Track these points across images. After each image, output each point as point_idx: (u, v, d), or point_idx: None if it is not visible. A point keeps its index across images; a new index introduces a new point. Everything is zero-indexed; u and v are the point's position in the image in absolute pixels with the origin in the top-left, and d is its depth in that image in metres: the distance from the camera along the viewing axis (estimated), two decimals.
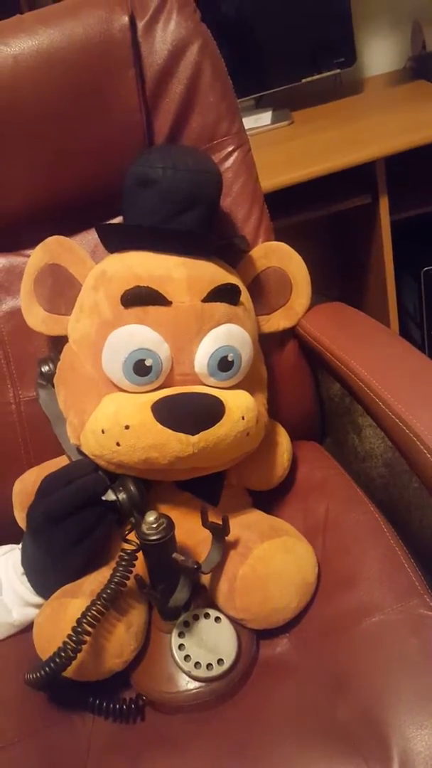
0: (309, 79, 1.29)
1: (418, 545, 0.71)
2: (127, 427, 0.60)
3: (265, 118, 1.29)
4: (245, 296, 0.69)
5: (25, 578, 0.66)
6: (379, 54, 1.44)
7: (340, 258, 1.41)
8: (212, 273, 0.66)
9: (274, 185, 1.02)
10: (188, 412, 0.60)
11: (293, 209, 1.14)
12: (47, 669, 0.56)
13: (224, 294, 0.65)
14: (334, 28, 1.27)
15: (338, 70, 1.30)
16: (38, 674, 0.57)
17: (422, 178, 1.20)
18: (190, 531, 0.66)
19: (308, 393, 0.87)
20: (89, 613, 0.56)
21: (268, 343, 0.77)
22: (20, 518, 0.75)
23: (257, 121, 1.28)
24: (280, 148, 1.17)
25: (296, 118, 1.30)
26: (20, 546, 0.68)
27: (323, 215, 1.18)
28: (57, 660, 0.55)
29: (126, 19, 0.70)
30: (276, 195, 0.99)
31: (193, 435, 0.59)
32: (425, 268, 1.27)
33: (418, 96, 1.25)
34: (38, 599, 0.65)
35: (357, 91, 1.38)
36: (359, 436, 1.18)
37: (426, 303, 1.31)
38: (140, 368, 0.61)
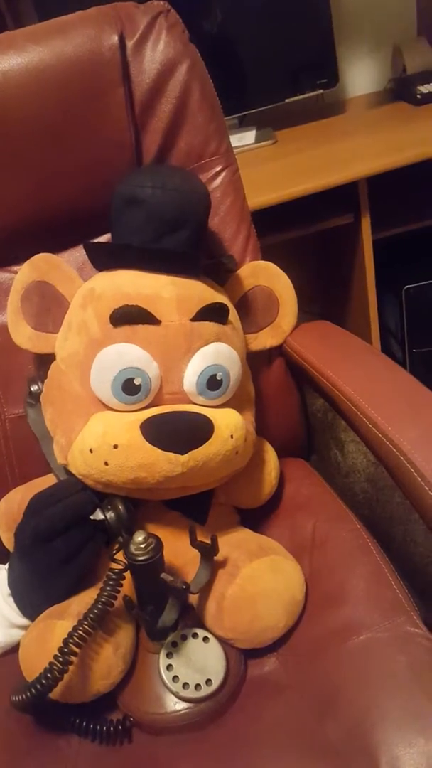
0: (292, 99, 1.31)
1: (402, 559, 0.72)
2: (115, 447, 0.59)
3: (248, 137, 1.31)
4: (233, 315, 0.69)
5: (11, 599, 0.65)
6: (361, 75, 1.47)
7: (323, 276, 1.43)
8: (201, 292, 0.66)
9: (258, 204, 1.03)
10: (177, 431, 0.60)
11: (277, 228, 1.15)
12: (33, 690, 0.55)
13: (213, 313, 0.65)
14: (316, 50, 1.29)
15: (321, 91, 1.32)
16: (24, 696, 0.56)
17: (404, 198, 1.22)
18: (178, 550, 0.66)
19: (295, 411, 0.87)
20: (76, 634, 0.55)
21: (255, 362, 0.78)
22: (5, 539, 0.74)
23: (241, 140, 1.30)
24: (264, 167, 1.18)
25: (279, 137, 1.32)
26: (6, 566, 0.67)
27: (306, 234, 1.19)
28: (43, 681, 0.55)
29: (116, 38, 0.70)
30: (260, 213, 1.00)
31: (182, 454, 0.59)
32: (406, 286, 1.29)
33: (398, 117, 1.28)
34: (24, 621, 0.64)
35: (339, 112, 1.40)
36: (342, 451, 1.19)
37: (407, 321, 1.33)
38: (129, 387, 0.61)
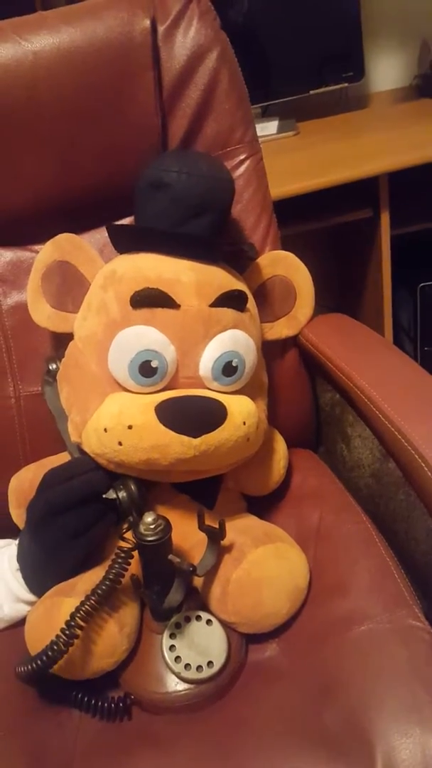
0: (317, 91, 1.31)
1: (403, 556, 0.72)
2: (130, 427, 0.60)
3: (271, 127, 1.31)
4: (251, 303, 0.70)
5: (19, 574, 0.66)
6: (386, 70, 1.46)
7: (339, 269, 1.43)
8: (220, 278, 0.66)
9: (278, 194, 1.02)
10: (191, 415, 0.61)
11: (295, 219, 1.15)
12: (38, 663, 0.56)
13: (232, 300, 0.65)
14: (344, 43, 1.29)
15: (346, 84, 1.31)
16: (29, 667, 0.57)
17: (424, 196, 1.22)
18: (186, 533, 0.66)
19: (306, 401, 0.87)
20: (82, 609, 0.56)
21: (269, 351, 0.78)
22: (15, 515, 0.75)
23: (263, 129, 1.29)
24: (285, 157, 1.18)
25: (302, 128, 1.32)
26: (17, 541, 0.68)
27: (324, 226, 1.19)
28: (48, 654, 0.56)
29: (147, 22, 0.70)
30: (278, 204, 1.00)
31: (195, 438, 0.60)
32: (422, 284, 1.29)
33: (422, 114, 1.27)
34: (31, 596, 0.65)
35: (362, 106, 1.39)
36: (348, 446, 1.20)
37: (421, 318, 1.33)
38: (146, 369, 0.62)
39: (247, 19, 1.28)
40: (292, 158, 1.19)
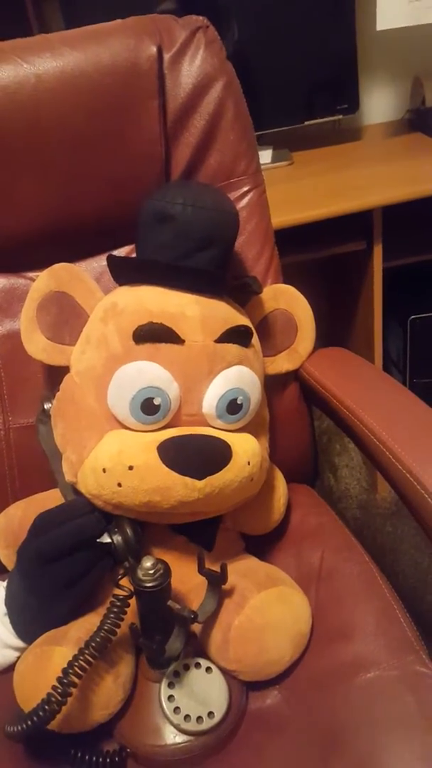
0: (311, 122, 1.31)
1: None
2: (130, 468, 0.58)
3: (265, 156, 1.30)
4: (255, 338, 0.68)
5: (6, 619, 0.62)
6: (379, 104, 1.47)
7: (330, 300, 1.43)
8: (225, 313, 0.65)
9: (273, 225, 1.02)
10: (196, 455, 0.59)
11: (289, 250, 1.15)
12: (30, 722, 0.52)
13: (237, 335, 0.64)
14: (339, 75, 1.30)
15: (340, 116, 1.32)
16: (20, 727, 0.53)
17: (416, 228, 1.22)
18: (183, 576, 0.64)
19: (306, 436, 0.86)
20: (76, 663, 0.53)
21: (270, 386, 0.76)
22: (3, 555, 0.71)
23: None
24: (279, 188, 1.18)
25: (295, 158, 1.32)
26: (5, 583, 0.65)
27: (317, 257, 1.19)
28: (40, 713, 0.52)
29: (154, 49, 0.69)
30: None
31: (199, 479, 0.57)
32: (412, 317, 1.30)
33: (415, 148, 1.28)
34: (19, 642, 0.62)
35: (355, 138, 1.40)
36: (335, 476, 1.18)
37: (410, 351, 1.33)
38: (148, 406, 0.59)
39: (239, 49, 1.28)
40: (287, 188, 1.18)
